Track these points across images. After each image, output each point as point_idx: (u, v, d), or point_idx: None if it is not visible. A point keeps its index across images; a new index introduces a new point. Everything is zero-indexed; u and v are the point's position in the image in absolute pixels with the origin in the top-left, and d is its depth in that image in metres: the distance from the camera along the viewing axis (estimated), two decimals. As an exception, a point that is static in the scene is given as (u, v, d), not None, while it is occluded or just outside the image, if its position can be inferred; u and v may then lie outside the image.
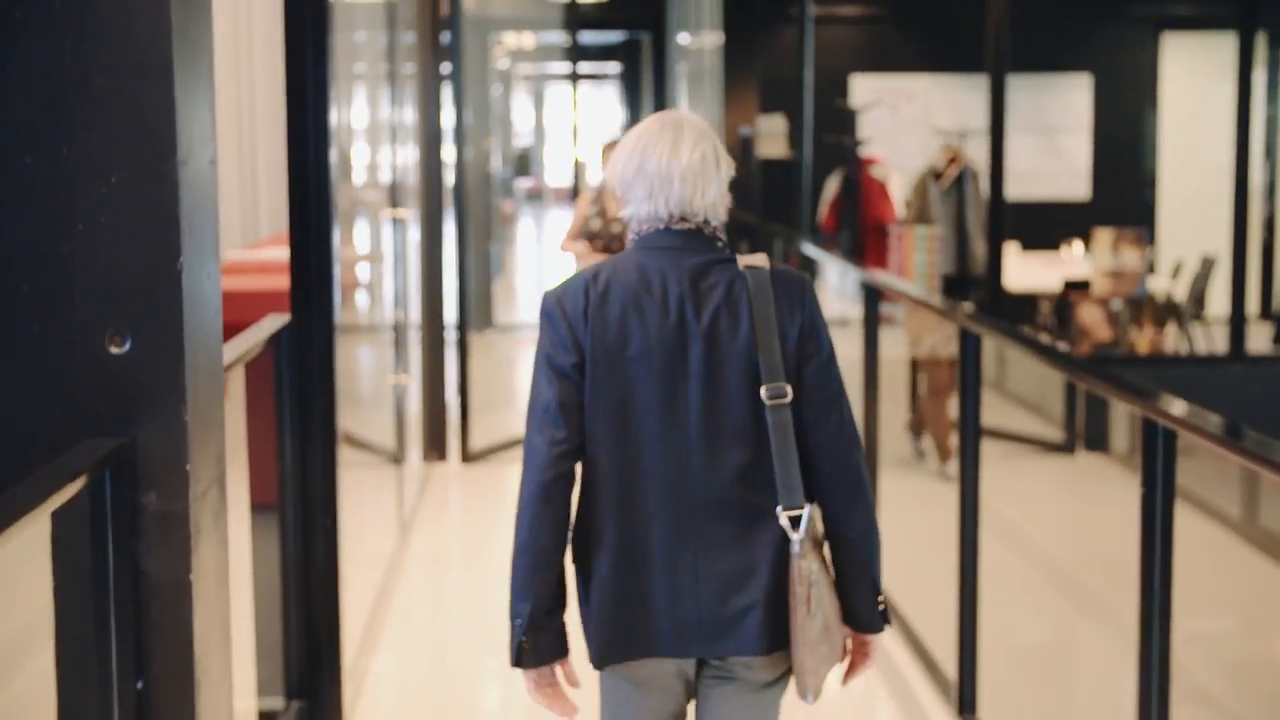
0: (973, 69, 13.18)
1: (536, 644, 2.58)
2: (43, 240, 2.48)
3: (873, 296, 5.53)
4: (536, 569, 2.57)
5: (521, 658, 2.59)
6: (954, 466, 6.87)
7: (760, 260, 2.64)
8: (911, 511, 6.73)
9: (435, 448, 7.98)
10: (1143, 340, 8.25)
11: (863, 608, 2.64)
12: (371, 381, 6.29)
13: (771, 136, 8.61)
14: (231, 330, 4.35)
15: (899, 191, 8.96)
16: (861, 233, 8.89)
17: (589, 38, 16.86)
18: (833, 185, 9.12)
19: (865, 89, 12.96)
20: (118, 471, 2.48)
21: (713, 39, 9.94)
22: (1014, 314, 8.56)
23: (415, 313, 8.05)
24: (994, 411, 8.95)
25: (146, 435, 2.53)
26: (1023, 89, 12.32)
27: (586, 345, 2.60)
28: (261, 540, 4.20)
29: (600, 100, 25.07)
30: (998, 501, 6.86)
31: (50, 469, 2.35)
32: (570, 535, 2.65)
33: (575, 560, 2.67)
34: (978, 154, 9.42)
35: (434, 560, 6.33)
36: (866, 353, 5.61)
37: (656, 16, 13.96)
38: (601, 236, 6.58)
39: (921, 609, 5.24)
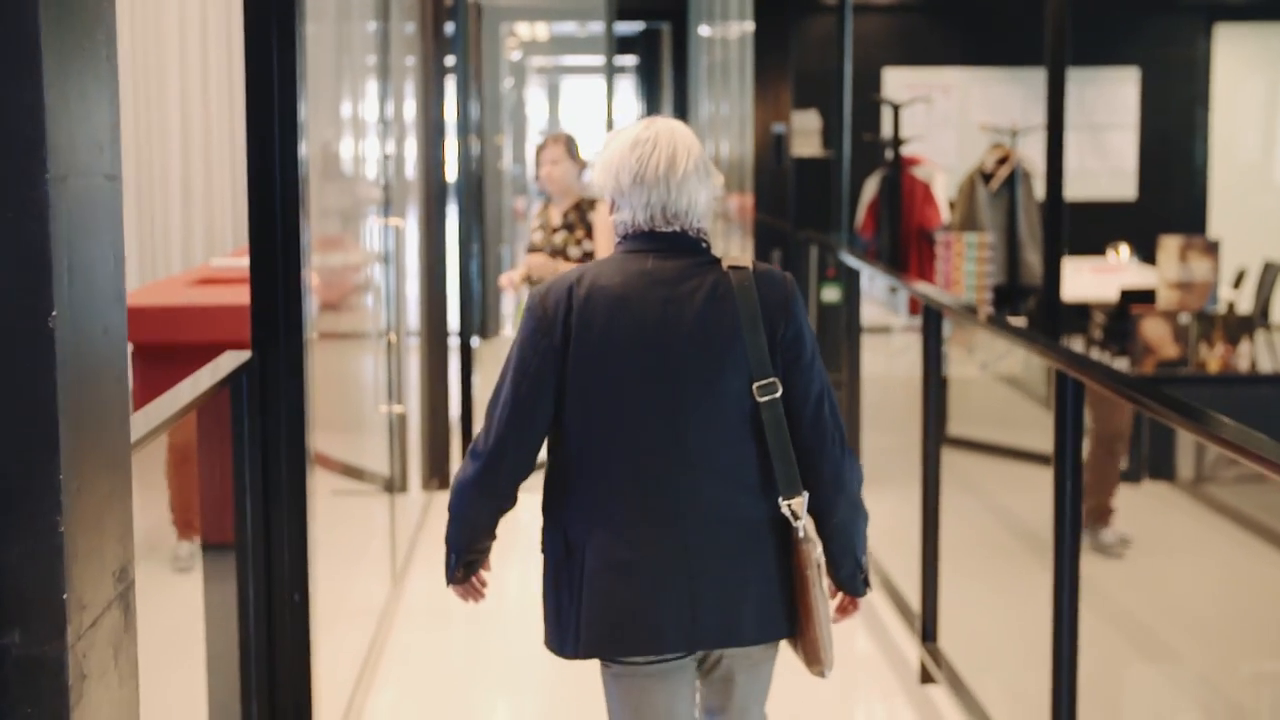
0: (1011, 62, 12.49)
1: (469, 569, 2.90)
2: None
3: (934, 318, 4.83)
4: (471, 538, 2.84)
5: (452, 579, 2.90)
6: (1111, 534, 6.08)
7: (744, 261, 2.72)
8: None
9: (437, 474, 7.27)
10: (1214, 358, 7.53)
11: (844, 576, 2.82)
12: (361, 403, 5.60)
13: (805, 134, 7.92)
14: (208, 352, 3.70)
15: (943, 194, 8.25)
16: (904, 238, 8.18)
17: (600, 27, 16.18)
18: (871, 187, 8.39)
19: (898, 83, 12.25)
20: (-35, 605, 1.80)
21: (739, 29, 9.24)
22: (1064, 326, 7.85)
23: (415, 322, 7.38)
24: (1044, 431, 8.24)
25: (5, 554, 1.84)
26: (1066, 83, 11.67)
27: (567, 347, 2.66)
28: (220, 590, 3.53)
29: (616, 94, 24.32)
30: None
31: None
32: (553, 534, 2.74)
33: (558, 556, 2.74)
34: (1026, 152, 8.72)
35: (432, 610, 5.63)
36: (926, 377, 4.91)
37: (677, 6, 13.27)
38: (542, 251, 6.05)
39: (989, 680, 4.55)
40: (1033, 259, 8.23)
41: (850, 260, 6.43)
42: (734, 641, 2.70)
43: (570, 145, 6.12)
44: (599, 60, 23.10)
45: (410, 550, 6.24)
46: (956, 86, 12.45)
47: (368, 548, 5.53)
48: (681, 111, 13.36)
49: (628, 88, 21.23)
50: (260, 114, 3.50)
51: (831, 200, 7.46)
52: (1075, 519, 3.55)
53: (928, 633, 4.80)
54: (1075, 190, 11.96)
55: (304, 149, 3.58)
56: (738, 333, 2.64)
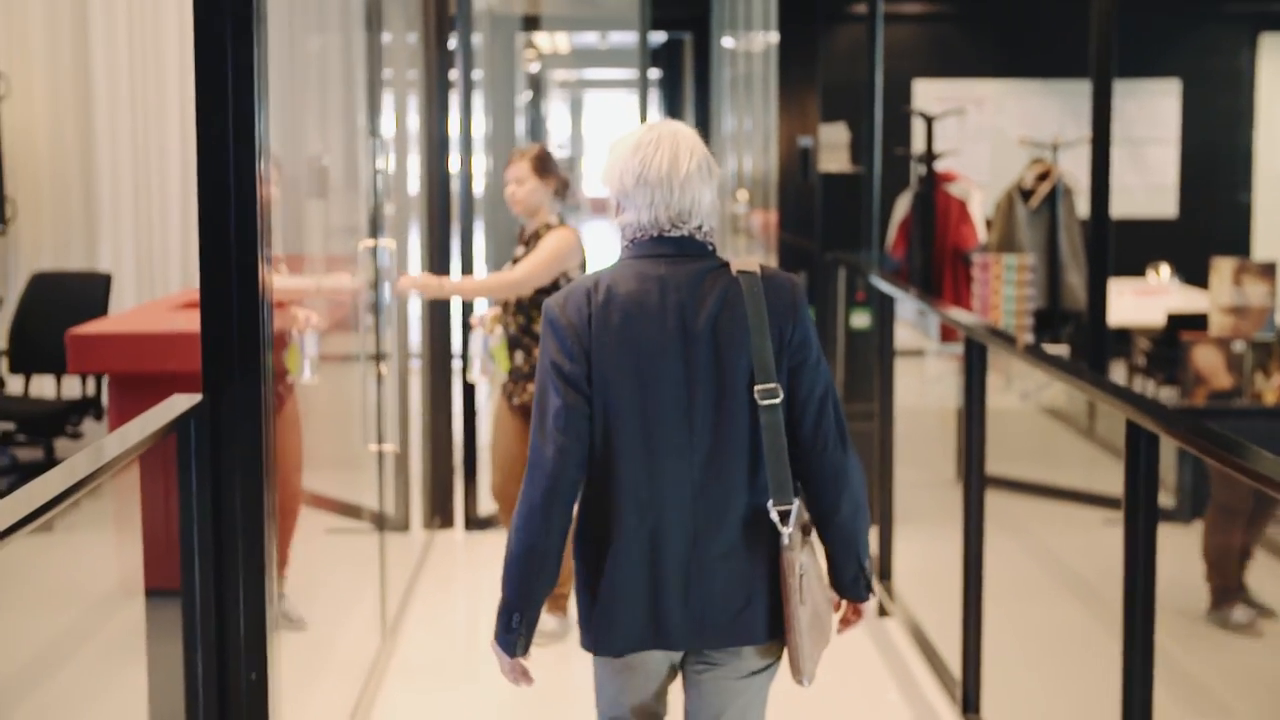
0: (1046, 73, 11.99)
1: (528, 638, 2.80)
2: None
3: (977, 351, 4.36)
4: (538, 573, 2.74)
5: (514, 649, 2.79)
6: (1243, 613, 5.39)
7: (752, 265, 2.76)
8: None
9: (440, 511, 6.82)
10: (1271, 389, 7.04)
11: (846, 580, 2.85)
12: (345, 440, 5.16)
13: (833, 148, 7.45)
14: (189, 383, 3.27)
15: (980, 212, 7.77)
16: (938, 259, 7.71)
17: (621, 39, 15.75)
18: (903, 205, 7.91)
19: (929, 95, 11.78)
20: None
21: (764, 40, 8.81)
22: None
23: (417, 347, 6.95)
24: (1090, 468, 7.75)
25: None
26: (1103, 96, 11.19)
27: (592, 352, 2.71)
28: (166, 649, 3.10)
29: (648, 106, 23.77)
30: (1110, 590, 5.69)
31: None
32: (576, 533, 2.81)
33: (577, 555, 2.81)
34: (1066, 168, 8.25)
35: (426, 667, 5.17)
36: (969, 416, 4.44)
37: (699, 16, 12.83)
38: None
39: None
40: (1075, 281, 7.76)
41: (882, 285, 5.96)
42: (734, 640, 2.76)
43: (539, 161, 5.18)
44: (621, 74, 22.68)
45: (406, 597, 5.78)
46: (990, 99, 11.98)
47: (353, 598, 5.09)
48: (704, 125, 12.92)
49: (650, 101, 20.81)
50: (212, 123, 3.06)
51: (862, 219, 7.00)
52: (1149, 584, 3.09)
53: (969, 702, 4.33)
54: (1113, 207, 11.43)
55: (265, 164, 3.14)
56: (745, 338, 2.70)
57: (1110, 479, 7.33)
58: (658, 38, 15.82)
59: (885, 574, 5.62)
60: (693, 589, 2.72)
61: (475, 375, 5.40)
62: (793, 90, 7.25)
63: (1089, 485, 7.21)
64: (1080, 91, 12.21)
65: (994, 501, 7.16)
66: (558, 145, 25.42)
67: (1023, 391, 8.47)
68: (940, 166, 7.85)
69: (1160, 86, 12.02)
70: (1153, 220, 11.94)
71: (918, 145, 9.89)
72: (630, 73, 21.74)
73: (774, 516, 2.70)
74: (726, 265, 2.77)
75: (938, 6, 12.29)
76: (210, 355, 3.11)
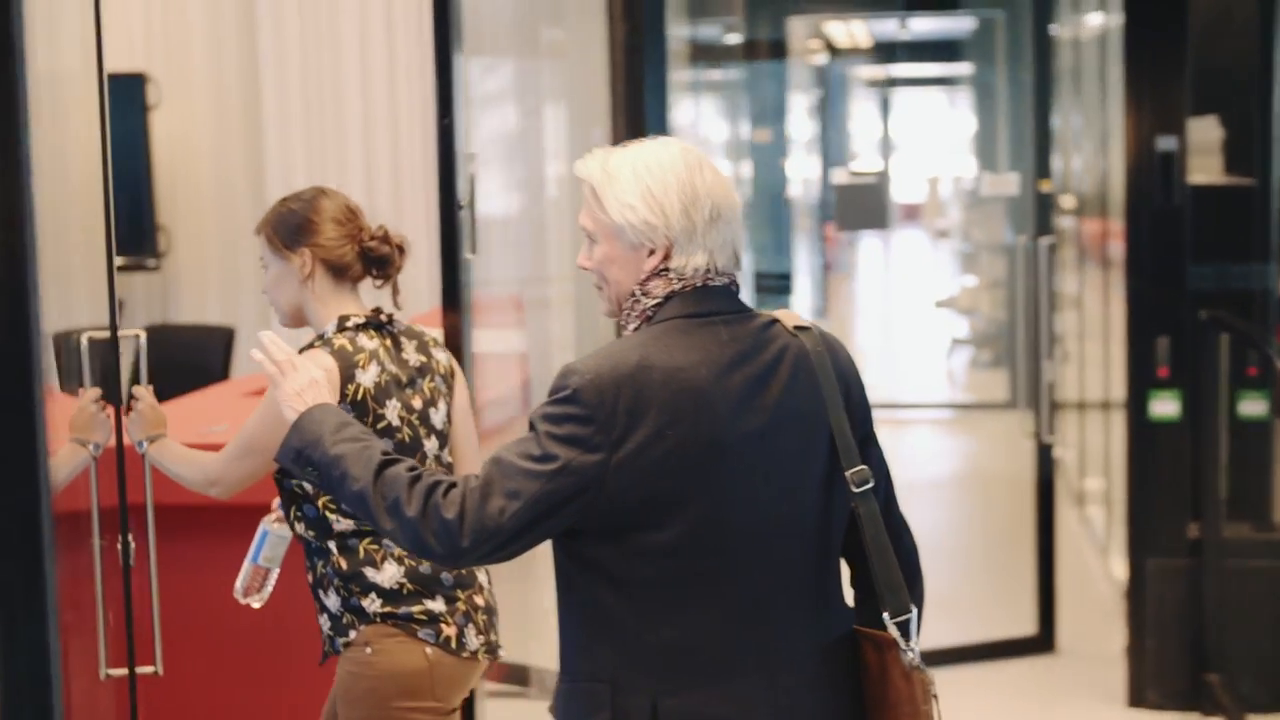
0: None
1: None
2: None
3: None
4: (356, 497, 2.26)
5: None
6: None
7: (799, 319, 2.33)
8: None
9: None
10: None
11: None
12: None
13: (1200, 152, 5.34)
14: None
15: None
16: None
17: (925, 26, 13.73)
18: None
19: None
20: None
21: (1097, 20, 6.91)
22: None
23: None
24: None
25: None
26: None
27: (620, 446, 2.14)
28: None
29: (923, 108, 21.59)
30: None
31: None
32: (594, 697, 2.22)
33: (619, 702, 2.19)
34: None
35: None
36: None
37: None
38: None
39: None
40: None
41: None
42: None
43: (275, 226, 2.90)
44: (930, 69, 20.61)
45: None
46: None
47: None
48: (1044, 128, 10.81)
49: (963, 102, 18.64)
50: None
51: (1253, 252, 4.88)
52: None
53: None
54: None
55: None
56: (823, 413, 2.24)
57: None
58: (964, 23, 13.68)
59: None
60: None
61: (239, 591, 3.11)
62: (1145, 76, 5.16)
63: None
64: None
65: None
66: (854, 155, 23.24)
67: None
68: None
69: None
70: None
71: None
72: (942, 68, 19.58)
73: (894, 631, 2.21)
74: (776, 321, 2.27)
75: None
76: None
